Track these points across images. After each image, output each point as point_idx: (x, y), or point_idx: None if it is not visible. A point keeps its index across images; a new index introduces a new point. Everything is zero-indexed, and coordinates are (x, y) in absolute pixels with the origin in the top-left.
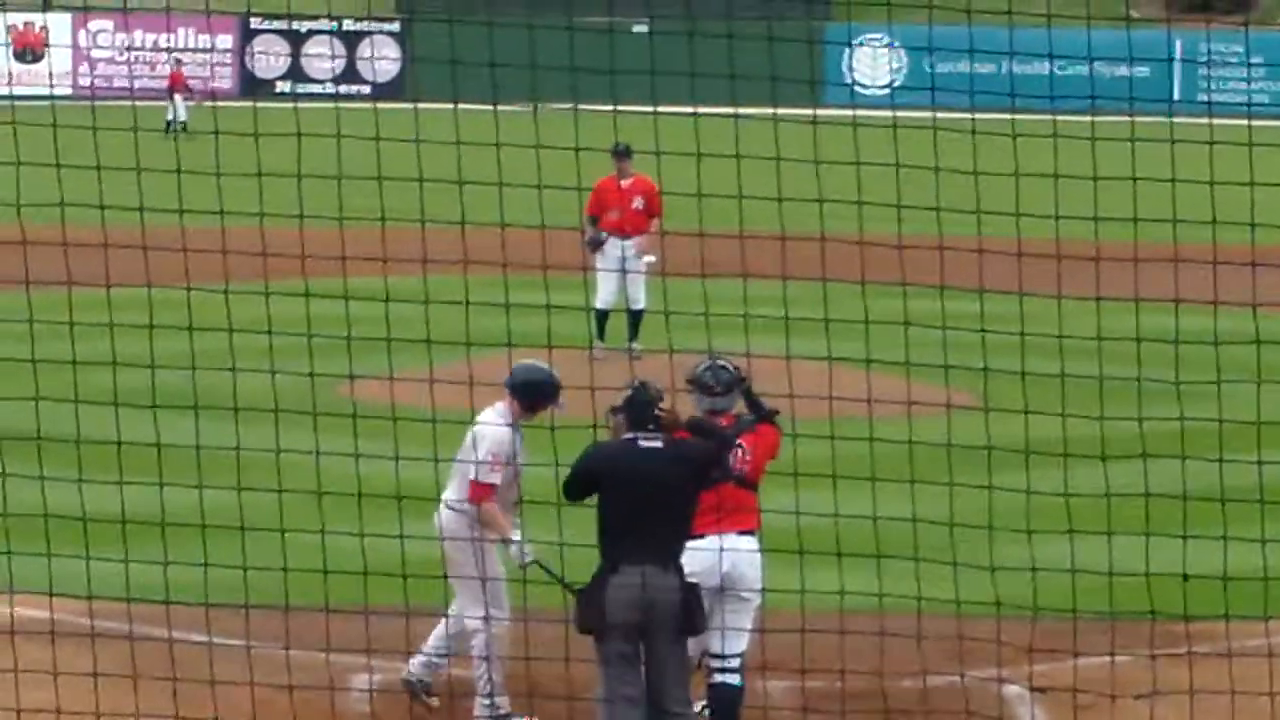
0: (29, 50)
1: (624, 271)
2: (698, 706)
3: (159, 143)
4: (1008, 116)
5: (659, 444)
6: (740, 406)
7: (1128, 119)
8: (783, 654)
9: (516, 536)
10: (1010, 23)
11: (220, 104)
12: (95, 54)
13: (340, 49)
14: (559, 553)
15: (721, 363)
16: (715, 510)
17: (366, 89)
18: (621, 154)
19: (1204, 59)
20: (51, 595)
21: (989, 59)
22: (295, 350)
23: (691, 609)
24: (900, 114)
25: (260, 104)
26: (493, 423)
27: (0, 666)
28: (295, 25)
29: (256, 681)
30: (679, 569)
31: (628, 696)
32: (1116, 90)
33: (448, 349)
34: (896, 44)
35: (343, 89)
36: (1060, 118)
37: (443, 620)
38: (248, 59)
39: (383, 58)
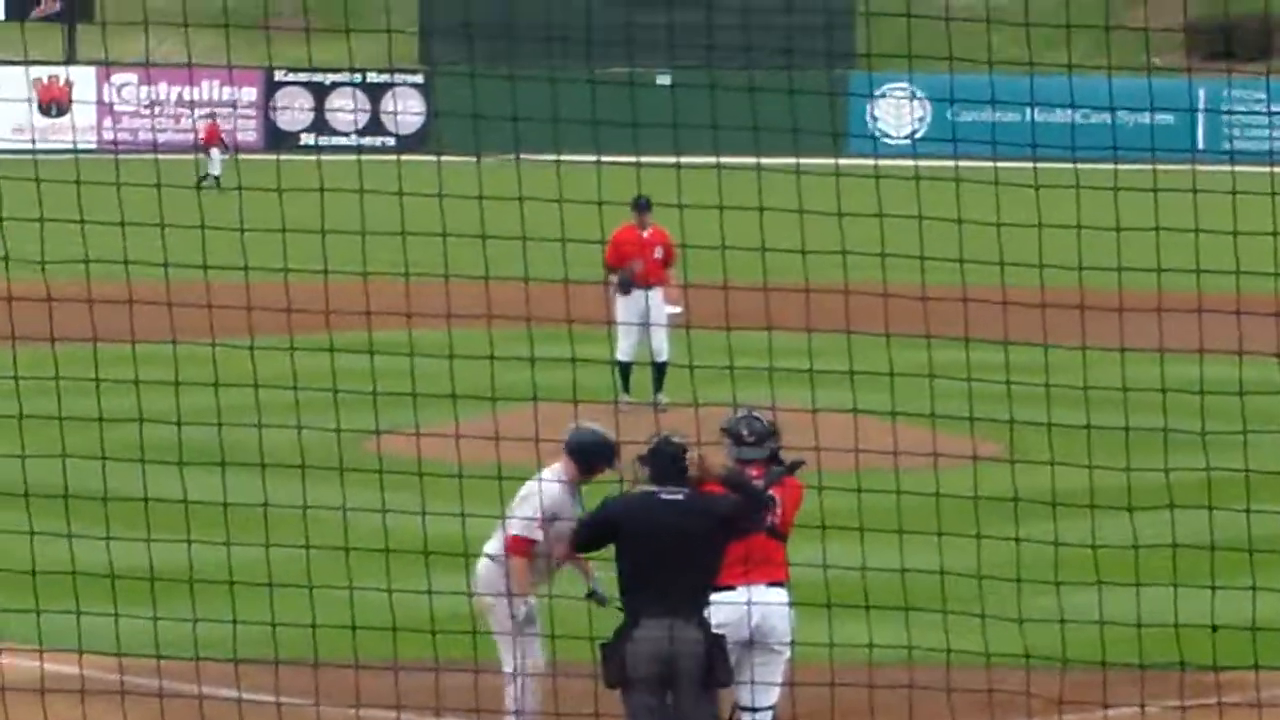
0: (54, 104)
1: (646, 324)
2: None
3: (183, 197)
4: (1030, 165)
5: (680, 497)
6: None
7: (1150, 168)
8: (812, 707)
9: (533, 600)
10: (1031, 71)
11: (244, 157)
12: (120, 108)
13: (365, 101)
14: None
15: (756, 414)
16: (743, 561)
17: (391, 141)
18: (643, 207)
19: (1226, 108)
20: (81, 652)
21: (1012, 108)
22: (321, 405)
23: (714, 661)
24: (923, 163)
25: (284, 156)
26: (545, 479)
27: None
28: (320, 78)
29: None
30: (702, 622)
31: None
32: (1139, 139)
33: (473, 403)
34: (920, 93)
35: (367, 141)
36: (1082, 166)
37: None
38: (272, 112)
39: (405, 112)
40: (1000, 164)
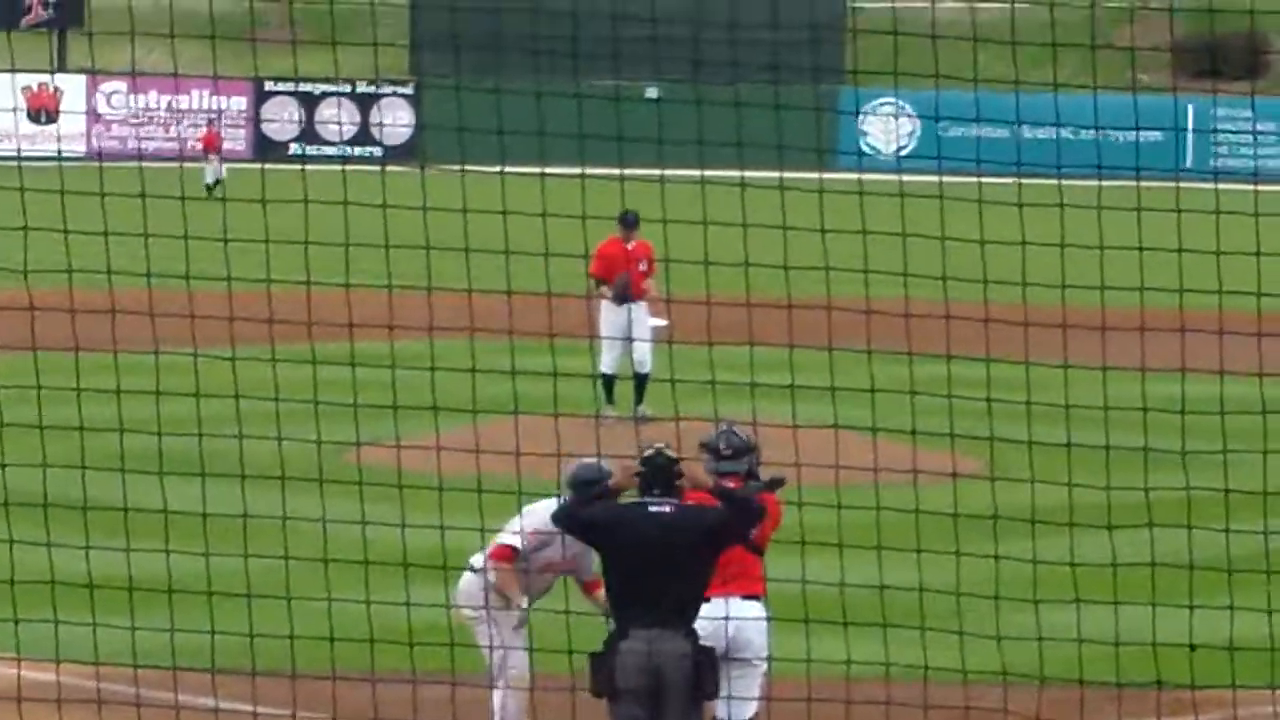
0: (43, 111)
1: (630, 339)
2: None
3: (168, 206)
4: (1014, 181)
5: (668, 508)
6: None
7: (1134, 185)
8: None
9: (524, 604)
10: (1017, 88)
11: (232, 166)
12: (109, 116)
13: (354, 111)
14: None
15: (735, 429)
16: (720, 572)
17: (379, 151)
18: (630, 223)
19: (1213, 126)
20: (58, 661)
21: (1001, 126)
22: (301, 416)
23: (703, 672)
24: (910, 179)
25: (272, 166)
26: (545, 505)
27: None
28: (309, 88)
29: None
30: (691, 633)
31: None
32: (1126, 156)
33: (454, 415)
34: (908, 109)
35: (356, 151)
36: (1067, 183)
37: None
38: (261, 121)
39: (393, 123)
40: (985, 180)
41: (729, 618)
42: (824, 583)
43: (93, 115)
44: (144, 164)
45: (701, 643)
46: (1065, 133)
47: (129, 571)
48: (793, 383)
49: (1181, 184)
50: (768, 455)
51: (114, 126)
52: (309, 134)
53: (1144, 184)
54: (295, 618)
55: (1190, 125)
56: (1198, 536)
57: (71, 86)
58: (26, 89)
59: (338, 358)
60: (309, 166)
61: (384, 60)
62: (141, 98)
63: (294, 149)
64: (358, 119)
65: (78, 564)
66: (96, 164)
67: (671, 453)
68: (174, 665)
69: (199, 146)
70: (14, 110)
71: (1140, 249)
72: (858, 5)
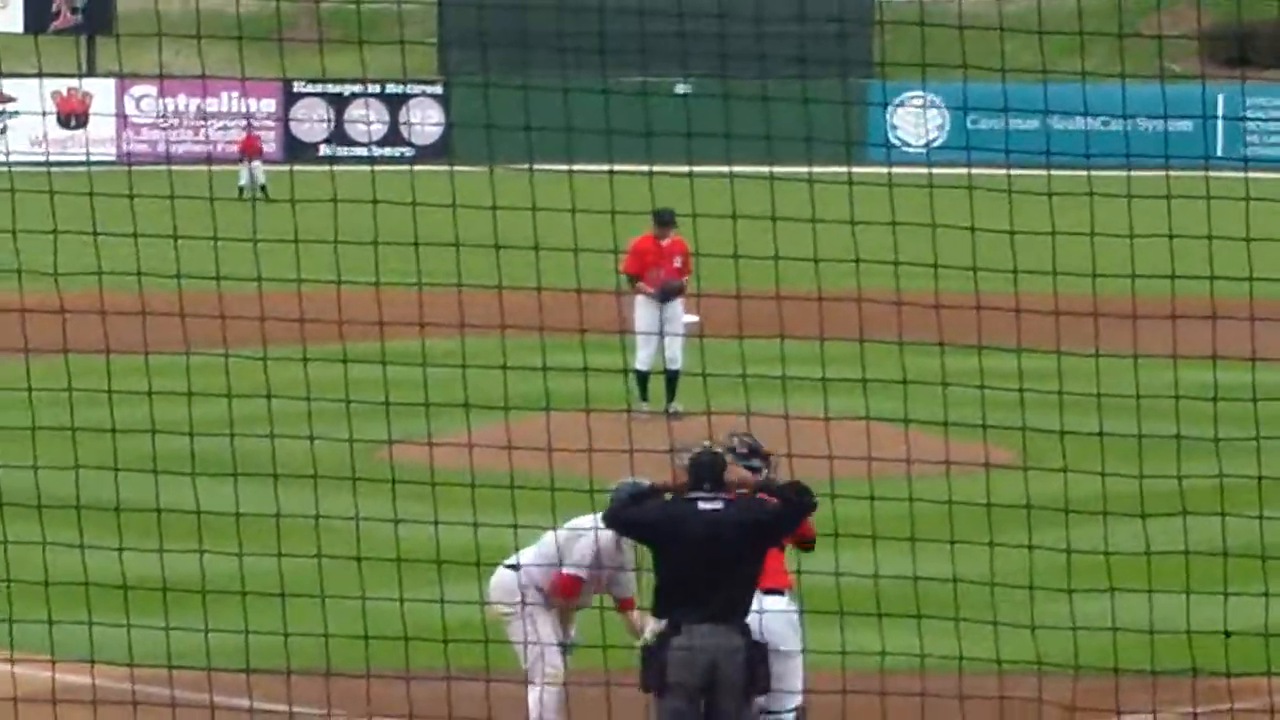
0: (73, 115)
1: (662, 333)
2: None
3: (196, 208)
4: (1044, 173)
5: (719, 505)
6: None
7: (1164, 174)
8: (824, 715)
9: (573, 634)
10: (1044, 79)
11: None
12: (138, 120)
13: (383, 111)
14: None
15: (746, 434)
16: None
17: (410, 151)
18: (665, 220)
19: (1244, 114)
20: (93, 662)
21: (1030, 117)
22: (333, 415)
23: (755, 667)
24: (940, 171)
25: (302, 167)
26: (597, 526)
27: None
28: (339, 89)
29: None
30: (743, 628)
31: None
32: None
33: (486, 413)
34: (938, 101)
35: (386, 151)
36: (1096, 173)
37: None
38: (291, 123)
39: (422, 123)
40: (1014, 171)
41: (753, 611)
42: (858, 574)
43: (122, 119)
44: (173, 167)
45: (754, 638)
46: (1094, 123)
47: (163, 573)
48: (824, 375)
49: (1211, 173)
50: (800, 448)
51: (143, 130)
52: (339, 135)
53: (1173, 173)
54: (329, 617)
55: (1220, 113)
56: (1231, 524)
57: (101, 91)
58: (56, 94)
59: (369, 356)
60: (339, 168)
61: (412, 60)
62: (171, 101)
63: (324, 150)
64: (387, 119)
65: (111, 566)
66: (126, 168)
67: (720, 450)
68: (209, 666)
69: (235, 149)
70: (43, 114)
71: (1170, 236)
72: None
